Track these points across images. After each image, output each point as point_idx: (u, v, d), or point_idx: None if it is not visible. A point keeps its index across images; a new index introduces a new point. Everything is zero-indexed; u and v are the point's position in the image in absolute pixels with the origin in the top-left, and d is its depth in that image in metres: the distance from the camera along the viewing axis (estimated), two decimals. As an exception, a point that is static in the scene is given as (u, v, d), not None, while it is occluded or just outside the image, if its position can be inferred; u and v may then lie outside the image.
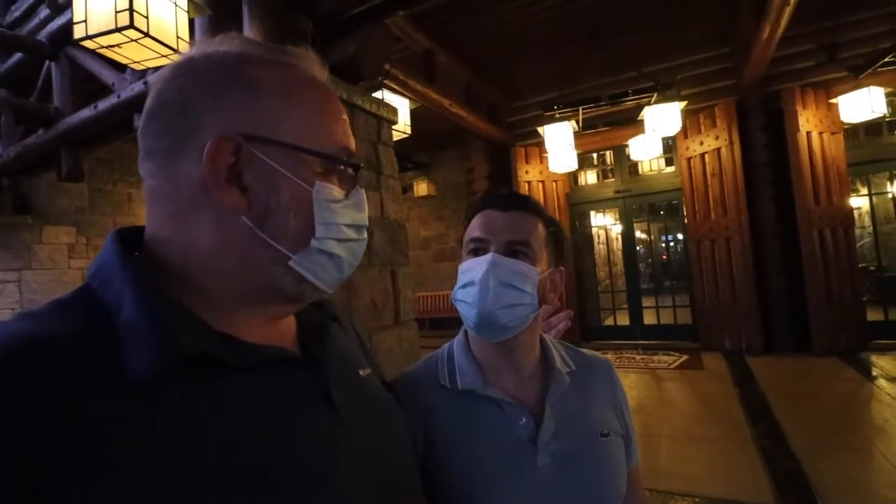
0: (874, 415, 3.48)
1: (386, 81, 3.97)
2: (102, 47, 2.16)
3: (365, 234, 0.55)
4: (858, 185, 6.82)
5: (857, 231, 5.72)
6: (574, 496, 0.68)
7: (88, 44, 2.15)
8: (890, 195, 6.53)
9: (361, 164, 0.54)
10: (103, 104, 2.93)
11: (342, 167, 0.52)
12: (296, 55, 0.52)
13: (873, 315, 5.37)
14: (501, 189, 0.84)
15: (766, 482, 2.59)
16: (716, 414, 3.77)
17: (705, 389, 4.43)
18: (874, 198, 6.21)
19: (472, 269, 0.72)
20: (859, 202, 7.24)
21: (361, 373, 0.60)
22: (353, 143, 0.54)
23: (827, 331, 5.10)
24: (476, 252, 0.74)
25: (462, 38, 5.14)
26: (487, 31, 5.02)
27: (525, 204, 0.76)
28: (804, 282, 5.17)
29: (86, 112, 3.05)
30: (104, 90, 2.97)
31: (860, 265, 5.54)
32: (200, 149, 0.44)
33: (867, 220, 7.07)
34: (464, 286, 0.73)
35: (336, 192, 0.50)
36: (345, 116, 0.54)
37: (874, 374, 4.38)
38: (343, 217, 0.50)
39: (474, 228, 0.75)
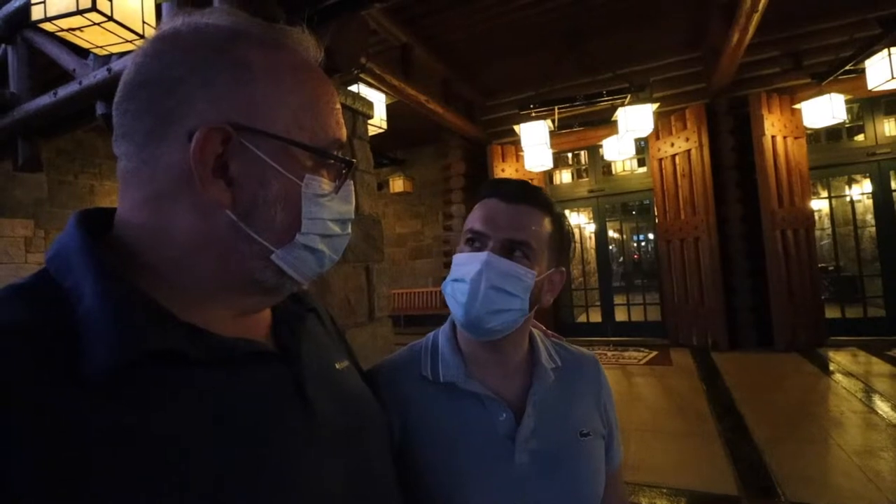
0: (831, 408, 3.64)
1: (362, 75, 3.92)
2: (62, 30, 2.06)
3: (349, 229, 0.53)
4: (819, 189, 7.11)
5: (817, 232, 5.96)
6: (550, 495, 0.67)
7: (47, 26, 2.05)
8: (848, 198, 6.84)
9: (355, 161, 0.53)
10: (63, 91, 2.79)
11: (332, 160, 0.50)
12: (291, 36, 0.49)
13: (831, 313, 5.62)
14: (511, 178, 0.79)
15: (730, 473, 2.68)
16: (683, 408, 3.88)
17: (673, 384, 4.55)
18: (833, 201, 6.49)
19: (466, 264, 0.69)
20: (820, 205, 7.55)
21: (338, 366, 0.59)
22: (344, 134, 0.52)
23: (788, 328, 5.31)
24: (472, 244, 0.70)
25: (439, 34, 5.12)
26: (465, 27, 5.01)
27: (534, 197, 0.71)
28: (767, 281, 5.37)
29: (45, 99, 2.90)
30: (65, 76, 2.83)
31: (819, 265, 5.78)
32: (185, 135, 0.42)
33: (826, 222, 7.38)
34: (455, 280, 0.70)
35: (325, 185, 0.49)
36: (338, 105, 0.52)
37: (831, 369, 4.58)
38: (330, 212, 0.49)
39: (475, 219, 0.71)
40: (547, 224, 0.71)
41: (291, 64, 0.48)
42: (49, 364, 0.35)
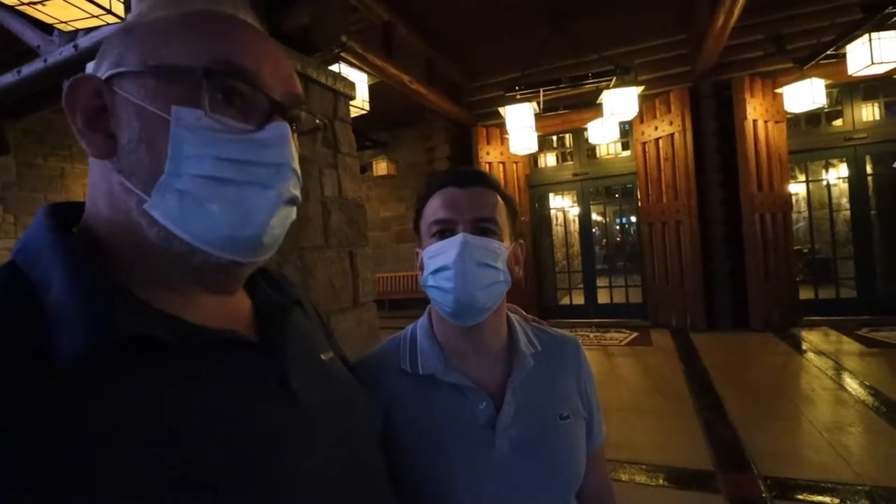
0: (803, 386, 3.77)
1: (343, 54, 3.82)
2: (23, 3, 1.95)
3: (284, 179, 0.44)
4: (797, 172, 7.24)
5: (794, 215, 6.09)
6: (531, 480, 0.68)
7: (7, -1, 1.94)
8: (825, 182, 6.97)
9: (274, 95, 0.45)
10: (27, 69, 2.66)
11: (255, 96, 0.44)
12: (218, 3, 0.47)
13: (805, 294, 5.78)
14: (456, 167, 0.81)
15: (706, 449, 2.77)
16: (662, 387, 3.98)
17: (653, 364, 4.66)
18: (810, 184, 6.61)
19: (443, 252, 0.68)
20: (797, 188, 7.70)
21: (323, 357, 0.58)
22: (257, 66, 0.44)
23: (763, 308, 5.45)
24: (442, 234, 0.70)
25: (423, 12, 5.00)
26: (449, 5, 4.90)
27: (485, 180, 0.74)
28: (745, 263, 5.48)
29: (8, 77, 2.76)
30: (29, 53, 2.70)
31: (795, 248, 5.93)
32: None
33: (803, 206, 7.54)
34: (436, 271, 0.69)
35: (210, 116, 0.41)
36: (249, 37, 0.45)
37: (804, 348, 4.73)
38: (229, 149, 0.41)
39: (437, 209, 0.71)
40: (500, 202, 0.74)
41: (189, 13, 0.44)
42: (17, 356, 0.33)
